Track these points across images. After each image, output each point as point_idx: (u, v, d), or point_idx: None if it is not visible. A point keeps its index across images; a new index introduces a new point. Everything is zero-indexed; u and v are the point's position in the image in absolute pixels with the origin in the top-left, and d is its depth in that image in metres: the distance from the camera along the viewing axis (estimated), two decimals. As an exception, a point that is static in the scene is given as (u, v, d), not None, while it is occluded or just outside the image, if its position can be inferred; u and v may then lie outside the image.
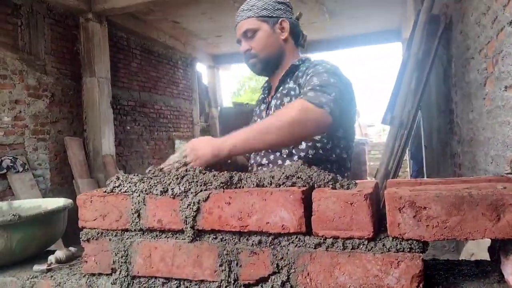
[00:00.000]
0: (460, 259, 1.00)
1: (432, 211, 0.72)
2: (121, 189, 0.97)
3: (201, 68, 11.32)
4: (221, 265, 0.86)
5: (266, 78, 1.66)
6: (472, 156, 3.29)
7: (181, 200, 0.89)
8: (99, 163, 6.38)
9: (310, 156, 1.41)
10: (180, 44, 9.19)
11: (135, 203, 0.94)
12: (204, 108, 11.15)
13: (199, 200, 0.87)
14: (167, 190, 0.91)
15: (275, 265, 0.82)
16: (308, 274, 0.80)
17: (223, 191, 0.86)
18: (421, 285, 0.74)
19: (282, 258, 0.82)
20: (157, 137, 8.59)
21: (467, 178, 0.92)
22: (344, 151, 1.49)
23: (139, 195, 0.93)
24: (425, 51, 3.80)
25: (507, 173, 1.76)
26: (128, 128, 7.71)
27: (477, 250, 1.98)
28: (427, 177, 5.67)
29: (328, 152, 1.44)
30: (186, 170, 1.03)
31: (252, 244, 0.85)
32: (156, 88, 8.63)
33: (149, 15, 7.45)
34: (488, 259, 0.89)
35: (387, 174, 3.62)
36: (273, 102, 1.52)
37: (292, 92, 1.46)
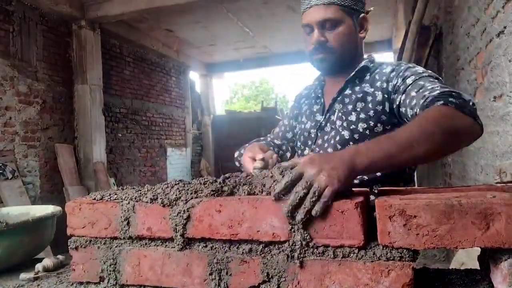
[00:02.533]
0: (454, 268, 1.00)
1: (422, 220, 0.73)
2: (110, 197, 0.96)
3: (194, 76, 11.34)
4: (211, 274, 0.85)
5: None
6: (462, 165, 3.32)
7: (171, 208, 0.88)
8: (89, 171, 6.33)
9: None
10: (173, 52, 9.21)
11: (125, 210, 0.93)
12: (196, 116, 11.14)
13: (189, 208, 0.87)
14: (157, 197, 0.90)
15: (266, 274, 0.82)
16: (298, 283, 0.80)
17: (214, 199, 0.86)
18: (411, 294, 0.74)
19: (272, 266, 0.81)
20: (149, 145, 8.55)
21: (457, 187, 0.92)
22: None
23: (129, 203, 0.92)
24: (415, 61, 3.84)
25: (497, 182, 1.77)
26: (120, 135, 7.67)
27: (467, 259, 1.99)
28: (418, 186, 5.70)
29: None
30: (318, 198, 0.77)
31: (243, 252, 0.84)
32: (149, 96, 8.62)
33: (142, 23, 7.46)
34: (478, 268, 0.89)
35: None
36: (337, 106, 1.36)
37: (369, 98, 1.30)
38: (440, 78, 1.19)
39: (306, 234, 0.79)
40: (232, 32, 8.23)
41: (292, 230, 0.79)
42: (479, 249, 0.79)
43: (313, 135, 1.42)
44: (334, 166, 0.80)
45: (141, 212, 0.91)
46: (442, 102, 0.99)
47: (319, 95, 1.46)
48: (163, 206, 0.89)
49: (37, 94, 5.61)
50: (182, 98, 10.03)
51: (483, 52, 2.57)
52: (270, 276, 0.82)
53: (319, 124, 1.40)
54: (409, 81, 1.19)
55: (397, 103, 1.22)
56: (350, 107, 1.32)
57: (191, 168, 10.35)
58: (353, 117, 1.31)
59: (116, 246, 0.95)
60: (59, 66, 6.07)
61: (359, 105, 1.31)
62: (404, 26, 5.06)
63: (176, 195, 0.88)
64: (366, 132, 1.29)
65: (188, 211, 0.87)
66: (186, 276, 0.87)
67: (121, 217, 0.93)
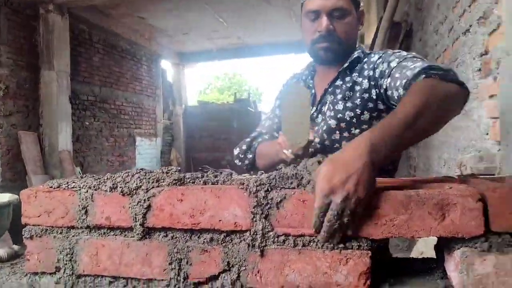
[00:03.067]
0: (411, 256, 1.03)
1: (380, 209, 0.74)
2: (68, 185, 0.93)
3: (166, 65, 11.17)
4: (170, 263, 0.84)
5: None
6: (426, 159, 3.41)
7: (131, 197, 0.86)
8: (55, 159, 6.15)
9: None
10: (144, 40, 9.03)
11: (83, 199, 0.90)
12: (168, 105, 10.99)
13: (150, 197, 0.85)
14: (117, 186, 0.87)
15: (226, 263, 0.81)
16: (258, 272, 0.79)
17: (176, 188, 0.84)
18: (368, 282, 0.75)
19: (233, 256, 0.81)
20: (118, 134, 8.38)
21: (417, 178, 0.94)
22: None
23: (87, 191, 0.90)
24: (385, 56, 3.90)
25: (458, 175, 1.83)
26: (87, 124, 7.48)
27: (425, 248, 2.06)
28: (385, 180, 5.83)
29: None
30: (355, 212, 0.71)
31: (204, 241, 0.83)
32: (118, 84, 8.43)
33: (113, 9, 7.27)
34: (435, 256, 0.91)
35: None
36: (329, 97, 1.35)
37: (357, 87, 1.29)
38: (425, 59, 1.19)
39: (268, 223, 0.79)
40: (206, 22, 8.13)
41: (254, 219, 0.79)
42: (436, 238, 0.81)
43: None
44: (359, 179, 0.70)
45: (100, 200, 0.89)
46: (424, 76, 1.01)
47: (310, 85, 1.44)
48: (123, 195, 0.86)
49: (-1, 79, 5.38)
50: (153, 87, 9.86)
51: (450, 49, 2.64)
52: (230, 265, 0.81)
53: (311, 116, 1.37)
54: (393, 64, 1.20)
55: (384, 87, 1.22)
56: (339, 97, 1.32)
57: (161, 159, 10.22)
58: (340, 106, 1.31)
59: (73, 236, 0.92)
60: (25, 51, 5.84)
61: (347, 94, 1.31)
62: (376, 22, 5.13)
63: (136, 183, 0.86)
64: (353, 120, 1.29)
65: (148, 200, 0.85)
66: (146, 265, 0.86)
67: (78, 205, 0.90)
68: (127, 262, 0.87)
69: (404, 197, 0.73)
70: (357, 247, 0.75)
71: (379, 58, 1.28)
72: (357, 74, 1.32)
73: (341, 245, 0.75)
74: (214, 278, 0.82)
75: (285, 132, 1.19)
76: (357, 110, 1.29)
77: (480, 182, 0.80)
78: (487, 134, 1.91)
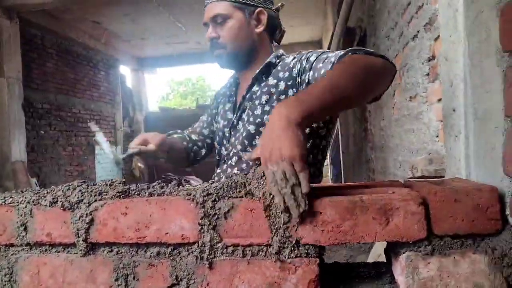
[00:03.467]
0: (362, 261, 1.04)
1: (327, 216, 0.74)
2: (5, 200, 0.88)
3: (125, 71, 10.93)
4: (116, 280, 0.81)
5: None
6: (383, 161, 3.51)
7: (73, 211, 0.82)
8: (7, 171, 5.84)
9: (310, 144, 1.27)
10: (101, 45, 8.79)
11: (21, 215, 0.85)
12: (128, 112, 10.74)
13: (92, 211, 0.81)
14: (57, 200, 0.83)
15: (174, 277, 0.79)
16: (208, 285, 0.78)
17: (119, 201, 0.81)
18: (317, 289, 0.75)
19: (181, 269, 0.79)
20: (75, 143, 8.10)
21: (366, 183, 0.96)
22: (320, 157, 1.34)
23: (26, 206, 0.85)
24: (342, 61, 3.98)
25: (410, 177, 1.89)
26: (43, 132, 7.18)
27: (383, 251, 2.11)
28: (344, 181, 5.95)
29: (312, 152, 1.29)
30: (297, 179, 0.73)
31: (150, 256, 0.80)
32: (75, 91, 8.15)
33: (66, 14, 7.03)
34: (385, 260, 0.93)
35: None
36: (247, 104, 1.35)
37: (273, 90, 1.30)
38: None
39: (216, 234, 0.77)
40: (163, 27, 8.03)
41: (202, 231, 0.77)
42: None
43: (227, 134, 1.41)
44: (280, 144, 0.75)
45: (40, 216, 0.84)
46: (350, 53, 1.06)
47: (232, 93, 1.46)
48: (64, 209, 0.82)
49: None
50: (111, 93, 9.61)
51: (401, 54, 2.73)
52: (179, 279, 0.79)
53: (231, 122, 1.40)
54: (312, 58, 1.22)
55: (307, 81, 1.23)
56: (257, 102, 1.32)
57: (123, 168, 9.96)
58: (258, 111, 1.31)
59: (12, 254, 0.87)
60: (-29, 57, 5.54)
61: (264, 98, 1.31)
62: (332, 27, 5.24)
63: (77, 197, 0.82)
64: None
65: (91, 214, 0.81)
66: (90, 283, 0.82)
67: (17, 222, 0.85)
68: (71, 280, 0.83)
69: (349, 203, 0.73)
70: (305, 254, 0.75)
71: (293, 59, 1.30)
72: (272, 77, 1.32)
73: (291, 254, 0.75)
74: (162, 293, 0.79)
75: None
76: None
77: (423, 185, 0.82)
78: (437, 136, 1.99)
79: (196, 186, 0.85)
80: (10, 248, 0.87)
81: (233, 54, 1.34)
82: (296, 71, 1.26)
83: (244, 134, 1.32)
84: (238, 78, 1.47)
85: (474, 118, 0.82)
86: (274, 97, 1.29)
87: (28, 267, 0.85)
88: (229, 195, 0.78)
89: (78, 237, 0.82)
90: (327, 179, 8.77)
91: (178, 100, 28.48)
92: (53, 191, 0.86)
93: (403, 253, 0.74)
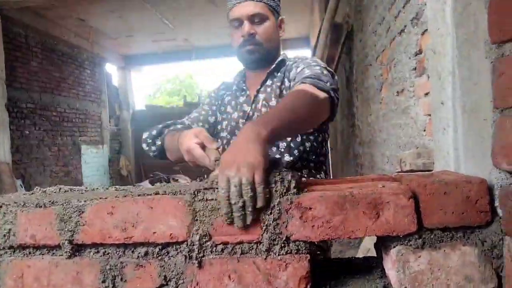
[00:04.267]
0: (352, 256, 1.04)
1: (317, 212, 0.73)
2: (-14, 202, 0.85)
3: (111, 69, 10.81)
4: (103, 281, 0.79)
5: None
6: (371, 156, 3.53)
7: (57, 212, 0.80)
8: (-9, 172, 5.74)
9: (308, 148, 1.41)
10: (86, 43, 8.67)
11: (4, 217, 0.82)
12: (114, 111, 10.63)
13: (78, 212, 0.79)
14: (42, 202, 0.81)
15: (163, 277, 0.77)
16: (197, 284, 0.76)
17: (105, 201, 0.79)
18: (308, 286, 0.74)
19: (170, 269, 0.77)
20: (61, 143, 7.99)
21: (354, 178, 0.95)
22: (326, 150, 1.51)
23: (8, 208, 0.82)
24: (328, 57, 3.99)
25: (398, 172, 1.90)
26: (27, 133, 7.07)
27: (371, 246, 2.11)
28: (333, 177, 5.98)
29: (319, 145, 1.45)
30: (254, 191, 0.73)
31: (138, 256, 0.79)
32: (60, 90, 8.03)
33: (50, 11, 6.92)
34: (376, 255, 0.93)
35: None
36: (261, 96, 1.47)
37: (283, 86, 1.45)
38: (327, 67, 1.36)
39: (205, 233, 0.76)
40: (150, 24, 7.94)
41: (190, 229, 0.76)
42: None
43: (241, 125, 1.49)
44: (247, 152, 0.79)
45: (23, 218, 0.82)
46: (300, 83, 1.22)
47: (244, 87, 1.55)
48: (48, 210, 0.80)
49: None
50: (97, 91, 9.49)
51: (388, 49, 2.74)
52: (167, 279, 0.77)
53: (247, 114, 1.49)
54: (298, 70, 1.36)
55: (290, 88, 1.40)
56: (272, 95, 1.45)
57: (109, 167, 9.86)
58: (273, 102, 1.44)
59: (-6, 258, 0.84)
60: (-49, 56, 5.42)
61: (277, 91, 1.45)
62: (319, 23, 5.24)
63: (64, 198, 0.80)
64: None
65: (76, 215, 0.79)
66: (76, 285, 0.80)
67: (0, 224, 0.83)
68: (56, 283, 0.81)
69: (339, 198, 0.73)
70: (295, 251, 0.74)
71: (294, 63, 1.44)
72: (282, 75, 1.47)
73: (281, 251, 0.74)
74: (150, 293, 0.78)
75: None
76: None
77: (412, 179, 0.82)
78: (424, 130, 2.00)
79: (184, 184, 0.83)
80: (-7, 251, 0.84)
81: (266, 52, 1.44)
82: (292, 74, 1.40)
83: None
84: (245, 75, 1.58)
85: (462, 111, 0.82)
86: (284, 92, 1.44)
87: (12, 270, 0.83)
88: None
89: (63, 238, 0.79)
90: (316, 175, 8.80)
91: (165, 98, 28.28)
92: (36, 193, 0.84)
93: (394, 247, 0.74)
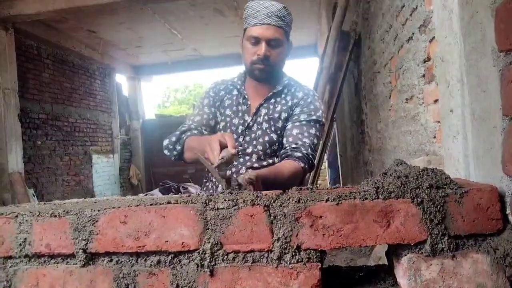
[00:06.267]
0: (364, 264, 1.04)
1: (327, 220, 0.73)
2: (3, 212, 0.87)
3: (121, 79, 10.92)
4: (117, 290, 0.80)
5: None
6: (381, 163, 3.51)
7: (72, 222, 0.81)
8: (5, 182, 5.81)
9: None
10: (97, 54, 8.79)
11: (20, 226, 0.84)
12: (124, 120, 10.73)
13: (91, 221, 0.81)
14: (56, 211, 0.83)
15: (175, 286, 0.78)
16: (209, 292, 0.77)
17: (118, 210, 0.80)
18: (320, 294, 0.74)
19: (182, 277, 0.78)
20: (72, 152, 8.07)
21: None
22: None
23: (24, 218, 0.84)
24: (336, 65, 4.00)
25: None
26: (39, 143, 7.16)
27: (383, 254, 2.10)
28: (343, 185, 5.95)
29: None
30: None
31: (151, 265, 0.80)
32: (71, 100, 8.14)
33: (62, 23, 7.03)
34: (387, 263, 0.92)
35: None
36: (263, 111, 1.62)
37: (289, 111, 1.62)
38: (322, 122, 1.65)
39: (217, 241, 0.77)
40: (159, 34, 8.03)
41: (202, 238, 0.77)
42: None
43: (240, 131, 1.63)
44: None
45: (39, 227, 0.83)
46: (289, 158, 1.51)
47: (246, 96, 1.67)
48: (63, 220, 0.82)
49: None
50: (108, 102, 9.59)
51: (396, 56, 2.73)
52: (180, 287, 0.78)
53: (247, 124, 1.63)
54: (301, 118, 1.59)
55: (286, 125, 1.61)
56: (276, 115, 1.61)
57: (120, 176, 9.92)
58: (279, 124, 1.61)
59: (10, 266, 0.86)
60: (-34, 69, 5.53)
61: (283, 115, 1.61)
62: (327, 31, 5.26)
63: (78, 208, 0.82)
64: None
65: (90, 224, 0.81)
66: (90, 294, 0.81)
67: (15, 233, 0.84)
68: (71, 292, 0.82)
69: (349, 206, 0.73)
70: (306, 259, 0.74)
71: (301, 99, 1.64)
72: (289, 99, 1.64)
73: (293, 259, 0.74)
74: (163, 302, 0.78)
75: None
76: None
77: (423, 187, 0.82)
78: (434, 137, 1.99)
79: (195, 193, 0.84)
80: (9, 260, 0.86)
81: (274, 73, 1.61)
82: (294, 108, 1.62)
83: (266, 139, 1.60)
84: (245, 80, 1.71)
85: (472, 118, 0.82)
86: (288, 117, 1.61)
87: (27, 279, 0.84)
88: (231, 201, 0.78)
89: (78, 247, 0.81)
90: (326, 183, 8.78)
91: (175, 107, 28.43)
92: (51, 204, 0.85)
93: (405, 255, 0.74)
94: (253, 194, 0.79)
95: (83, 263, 0.81)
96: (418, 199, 0.72)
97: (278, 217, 0.75)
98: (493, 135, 0.74)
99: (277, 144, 1.60)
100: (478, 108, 0.80)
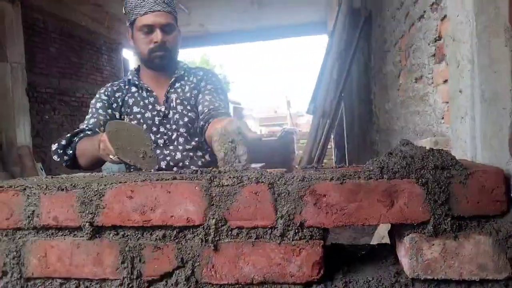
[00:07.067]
0: (366, 243, 1.05)
1: (331, 199, 0.74)
2: (11, 185, 0.88)
3: (128, 54, 10.86)
4: (123, 262, 0.82)
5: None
6: (388, 144, 3.50)
7: (78, 195, 0.83)
8: (13, 156, 5.89)
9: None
10: (103, 28, 8.72)
11: (28, 199, 0.86)
12: (131, 96, 10.71)
13: (98, 195, 0.82)
14: (63, 185, 0.84)
15: (180, 259, 0.80)
16: (213, 267, 0.79)
17: (124, 185, 0.81)
18: (321, 271, 0.75)
19: (186, 251, 0.79)
20: (80, 127, 8.11)
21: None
22: None
23: (32, 191, 0.85)
24: (346, 41, 3.94)
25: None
26: (47, 117, 7.19)
27: (386, 233, 2.11)
28: (348, 164, 5.95)
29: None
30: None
31: (156, 239, 0.81)
32: (78, 75, 8.12)
33: (68, -4, 6.96)
34: (389, 242, 0.93)
35: (310, 162, 3.73)
36: (173, 96, 1.64)
37: (198, 87, 1.67)
38: (226, 92, 1.71)
39: (221, 217, 0.78)
40: (166, 9, 7.92)
41: (207, 213, 0.78)
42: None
43: (157, 122, 1.62)
44: None
45: (46, 200, 0.85)
46: (215, 118, 1.49)
47: (148, 88, 1.66)
48: (70, 193, 0.83)
49: None
50: (115, 77, 9.55)
51: (407, 35, 2.69)
52: (184, 261, 0.80)
53: (162, 113, 1.63)
54: (208, 87, 1.65)
55: (198, 98, 1.65)
56: (188, 94, 1.65)
57: (127, 151, 9.99)
58: (193, 102, 1.65)
59: (19, 238, 0.87)
60: (-27, 42, 5.52)
61: (194, 92, 1.66)
62: (337, 7, 5.16)
63: (85, 181, 0.83)
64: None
65: (97, 198, 0.82)
66: (97, 265, 0.83)
67: (24, 206, 0.86)
68: (78, 263, 0.84)
69: (354, 186, 0.73)
70: (309, 236, 0.75)
71: (204, 75, 1.71)
72: (193, 77, 1.70)
73: (295, 236, 0.75)
74: (168, 275, 0.80)
75: (124, 157, 1.17)
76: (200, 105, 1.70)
77: (428, 167, 0.82)
78: (442, 118, 1.97)
79: (200, 169, 0.85)
80: (18, 231, 0.88)
81: (172, 58, 1.64)
82: (201, 86, 1.67)
83: (186, 120, 1.62)
84: (138, 76, 1.70)
85: (481, 100, 0.81)
86: (202, 90, 1.65)
87: (36, 250, 0.86)
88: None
89: (84, 220, 0.82)
90: (332, 162, 8.79)
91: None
92: (59, 177, 0.86)
93: (407, 235, 0.74)
94: (258, 172, 0.80)
95: (90, 236, 0.83)
96: (423, 179, 0.72)
97: (282, 194, 0.76)
98: (502, 117, 0.74)
99: (197, 121, 1.63)
100: (487, 89, 0.79)
